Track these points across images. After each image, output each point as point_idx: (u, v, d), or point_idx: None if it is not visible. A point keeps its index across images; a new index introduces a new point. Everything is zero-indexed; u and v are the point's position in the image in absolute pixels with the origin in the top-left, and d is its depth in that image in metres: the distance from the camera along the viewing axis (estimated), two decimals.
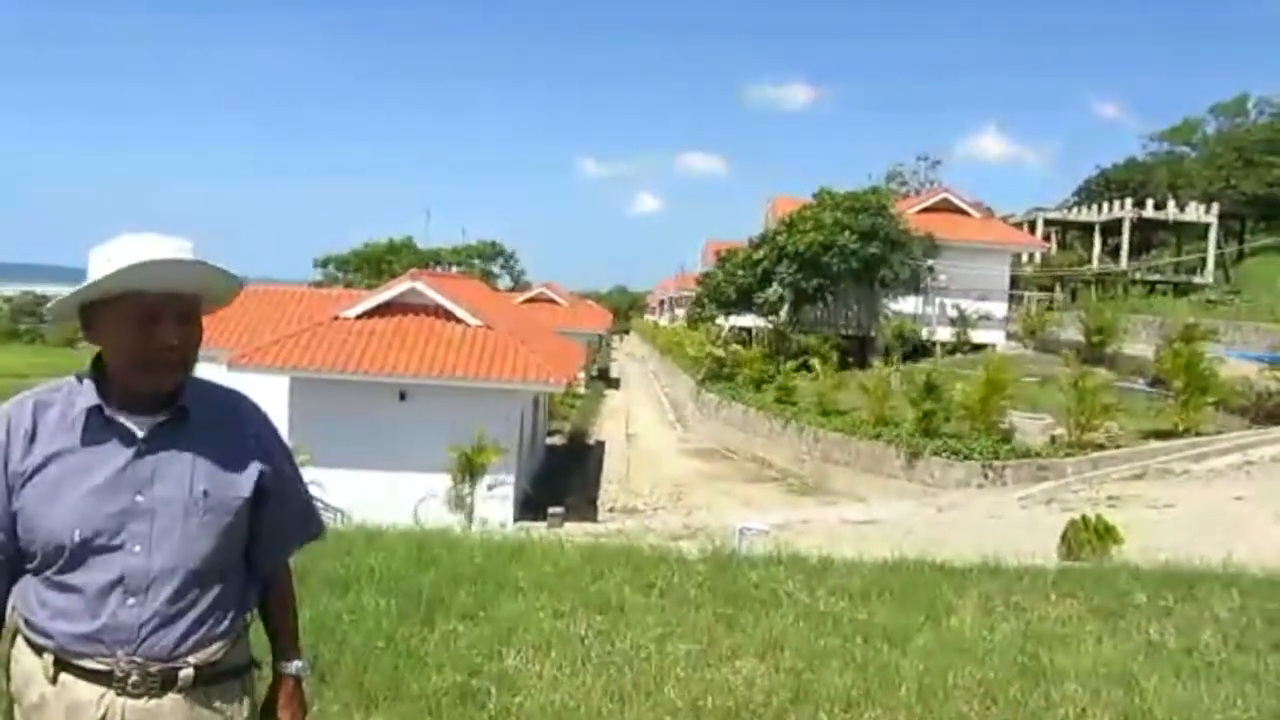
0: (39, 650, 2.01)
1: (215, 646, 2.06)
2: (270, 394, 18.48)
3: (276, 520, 2.20)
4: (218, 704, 2.09)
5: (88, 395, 2.02)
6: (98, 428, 2.01)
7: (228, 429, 2.13)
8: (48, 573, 2.00)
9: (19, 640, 2.07)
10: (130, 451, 2.00)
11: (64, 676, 2.00)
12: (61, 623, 1.99)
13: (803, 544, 8.39)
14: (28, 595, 2.03)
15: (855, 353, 28.45)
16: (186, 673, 2.02)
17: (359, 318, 20.50)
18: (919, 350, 28.28)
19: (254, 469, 2.12)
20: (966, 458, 17.75)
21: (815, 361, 25.27)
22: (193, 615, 2.03)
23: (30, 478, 1.99)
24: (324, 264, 67.71)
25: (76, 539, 1.96)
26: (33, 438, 2.01)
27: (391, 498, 15.30)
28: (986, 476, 17.38)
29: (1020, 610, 6.01)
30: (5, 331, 79.29)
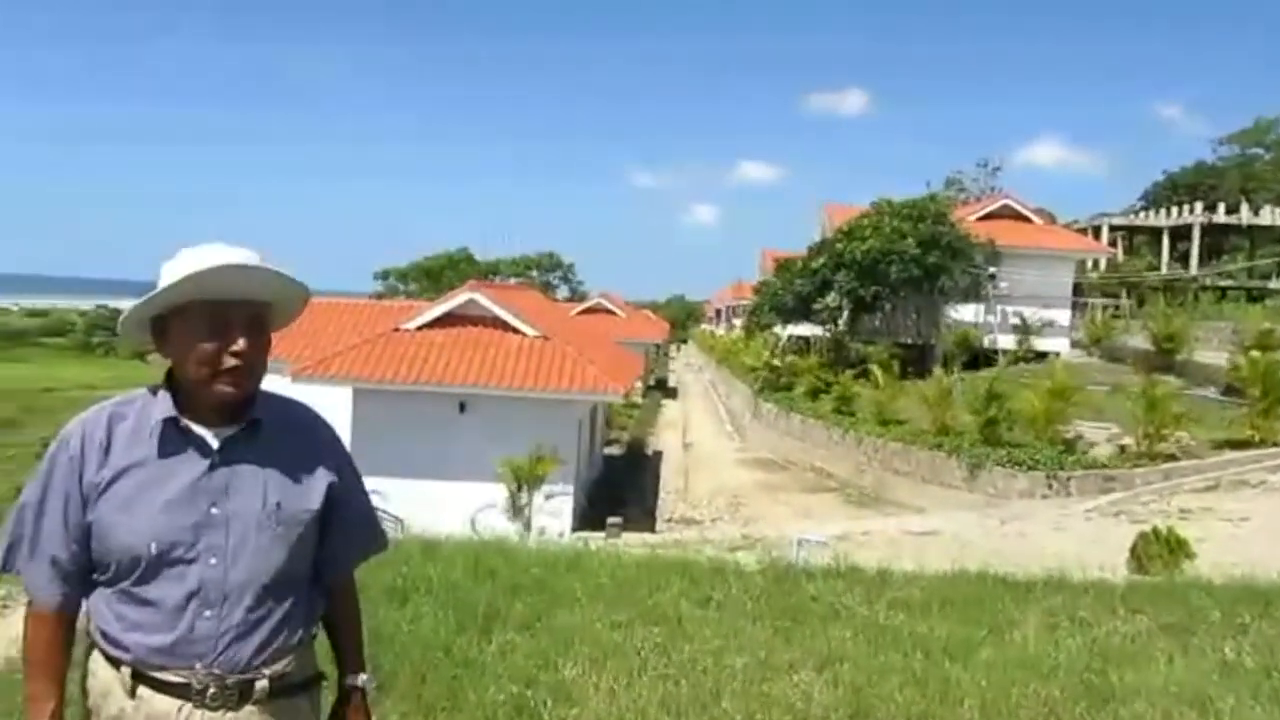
0: (115, 663, 2.01)
1: (288, 659, 2.09)
2: (333, 405, 18.79)
3: (342, 532, 2.21)
4: (290, 716, 2.10)
5: (163, 406, 2.03)
6: (173, 439, 2.02)
7: (299, 441, 2.15)
8: (123, 585, 2.00)
9: (95, 653, 2.06)
10: (205, 463, 2.02)
11: (142, 689, 2.00)
12: (139, 635, 1.99)
13: (862, 556, 8.30)
14: (101, 608, 2.03)
15: (915, 362, 28.05)
16: (262, 684, 2.03)
17: (419, 329, 20.73)
18: (981, 359, 27.79)
19: (324, 481, 2.14)
20: (1030, 468, 17.39)
21: (874, 370, 24.99)
22: (268, 627, 2.05)
23: (105, 489, 2.00)
24: (383, 276, 68.68)
25: (154, 551, 1.97)
26: (108, 449, 2.02)
27: (451, 508, 15.44)
28: (1051, 487, 17.01)
29: (1086, 626, 5.87)
30: (79, 345, 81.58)
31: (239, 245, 2.05)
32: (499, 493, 17.61)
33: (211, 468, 2.02)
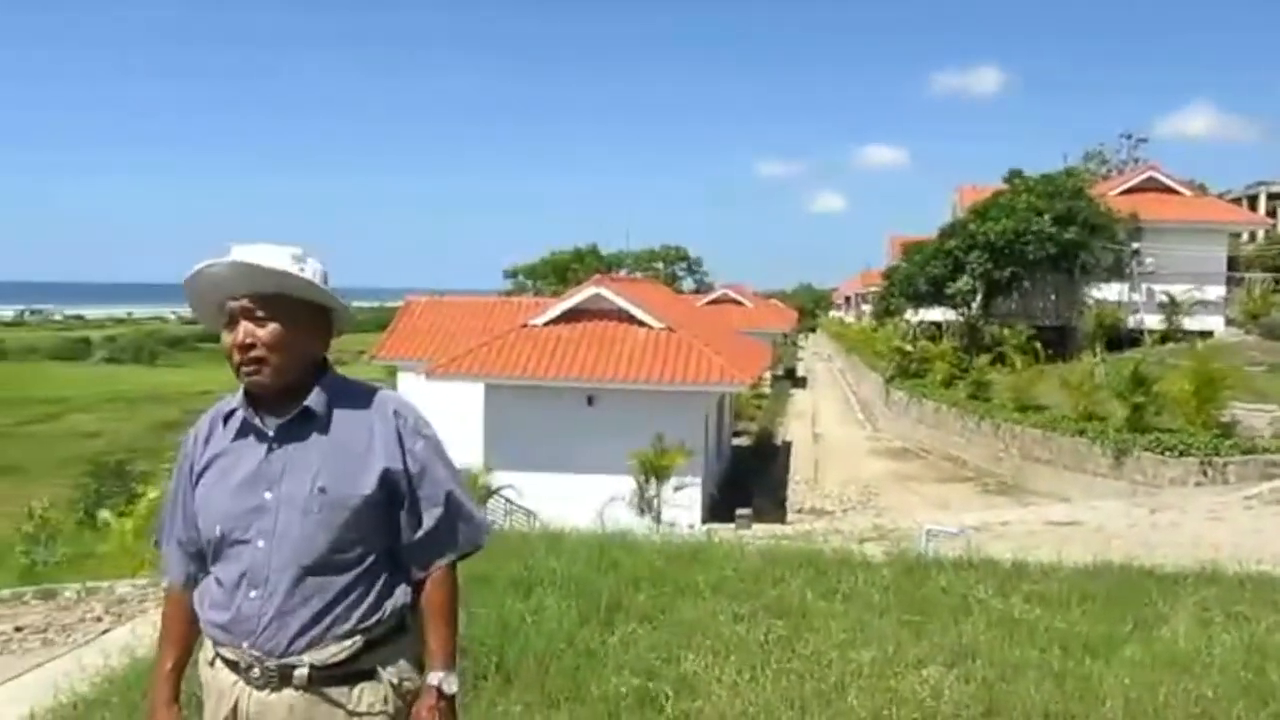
0: (208, 635, 2.19)
1: (335, 647, 2.09)
2: (466, 401, 19.28)
3: (422, 525, 2.19)
4: (340, 706, 2.10)
5: (237, 400, 2.19)
6: (242, 429, 2.17)
7: (355, 427, 2.17)
8: (209, 564, 2.18)
9: None
10: (263, 450, 2.13)
11: (217, 662, 2.16)
12: (213, 612, 2.15)
13: (997, 547, 8.01)
14: (202, 584, 2.21)
15: (1054, 345, 26.90)
16: (301, 670, 2.07)
17: (546, 325, 21.04)
18: (1125, 340, 26.49)
19: (378, 467, 2.14)
20: (1182, 454, 16.49)
21: (1011, 354, 24.09)
22: (308, 612, 2.07)
23: (200, 477, 2.19)
24: (513, 274, 69.95)
25: (218, 533, 2.12)
26: (207, 440, 2.21)
27: (580, 500, 15.61)
28: (1205, 474, 16.09)
29: (1243, 621, 5.52)
30: (192, 350, 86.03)
31: (284, 244, 2.15)
32: (628, 485, 17.73)
33: (269, 453, 2.13)
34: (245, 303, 2.09)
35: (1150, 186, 32.10)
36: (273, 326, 2.10)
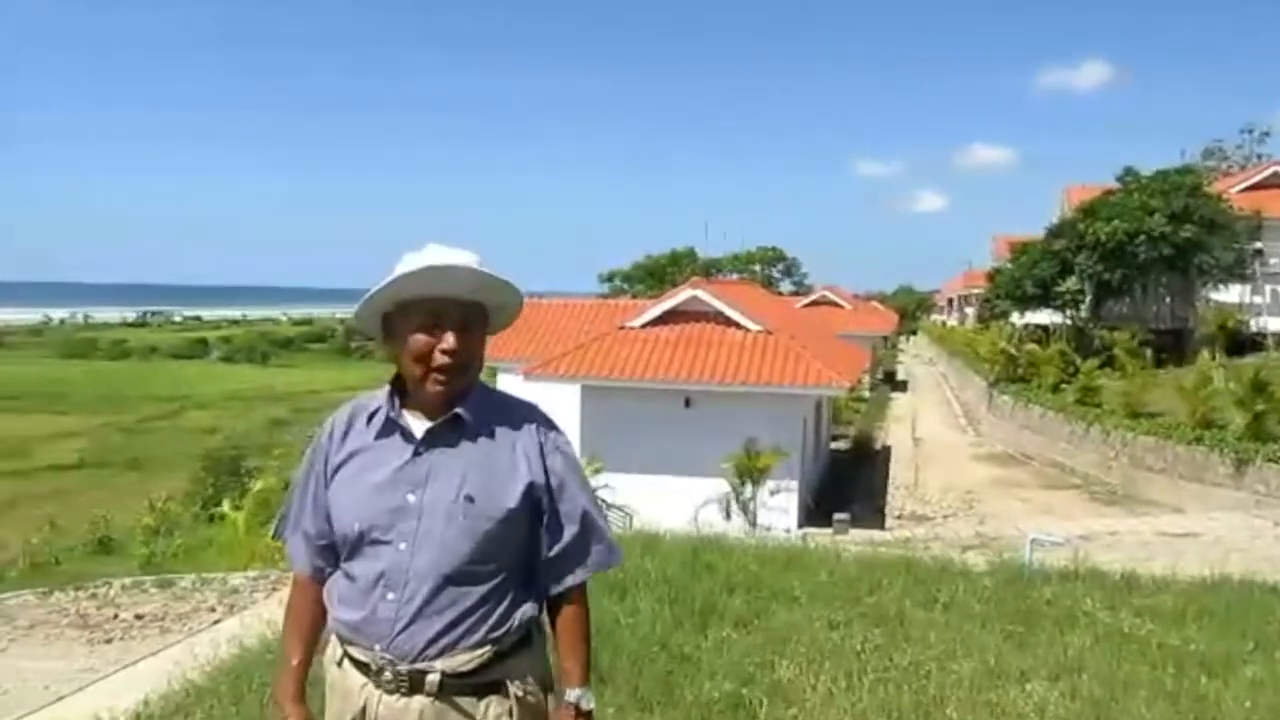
0: (335, 633, 2.18)
1: (466, 656, 2.07)
2: (563, 403, 19.47)
3: (557, 542, 2.18)
4: (469, 715, 2.09)
5: (383, 398, 2.17)
6: (388, 428, 2.15)
7: (505, 439, 2.15)
8: (343, 561, 2.16)
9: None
10: (409, 452, 2.11)
11: (345, 662, 2.15)
12: (343, 610, 2.13)
13: (1106, 558, 7.75)
14: (332, 580, 2.20)
15: (1168, 349, 25.88)
16: (433, 677, 2.05)
17: (643, 327, 21.10)
18: (1246, 344, 25.33)
19: (523, 481, 2.12)
20: None
21: (1122, 358, 23.26)
22: (443, 620, 2.06)
23: (336, 472, 2.17)
24: (609, 278, 70.29)
25: (356, 530, 2.10)
26: (345, 436, 2.20)
27: (676, 502, 15.61)
28: None
29: None
30: (339, 350, 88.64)
31: (462, 247, 2.12)
32: (723, 488, 17.66)
33: (414, 455, 2.11)
34: (461, 310, 2.09)
35: (1274, 183, 30.68)
36: (478, 338, 2.13)
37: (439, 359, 2.07)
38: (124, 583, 9.10)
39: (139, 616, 7.96)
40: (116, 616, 7.96)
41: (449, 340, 2.07)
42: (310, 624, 2.25)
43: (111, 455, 40.96)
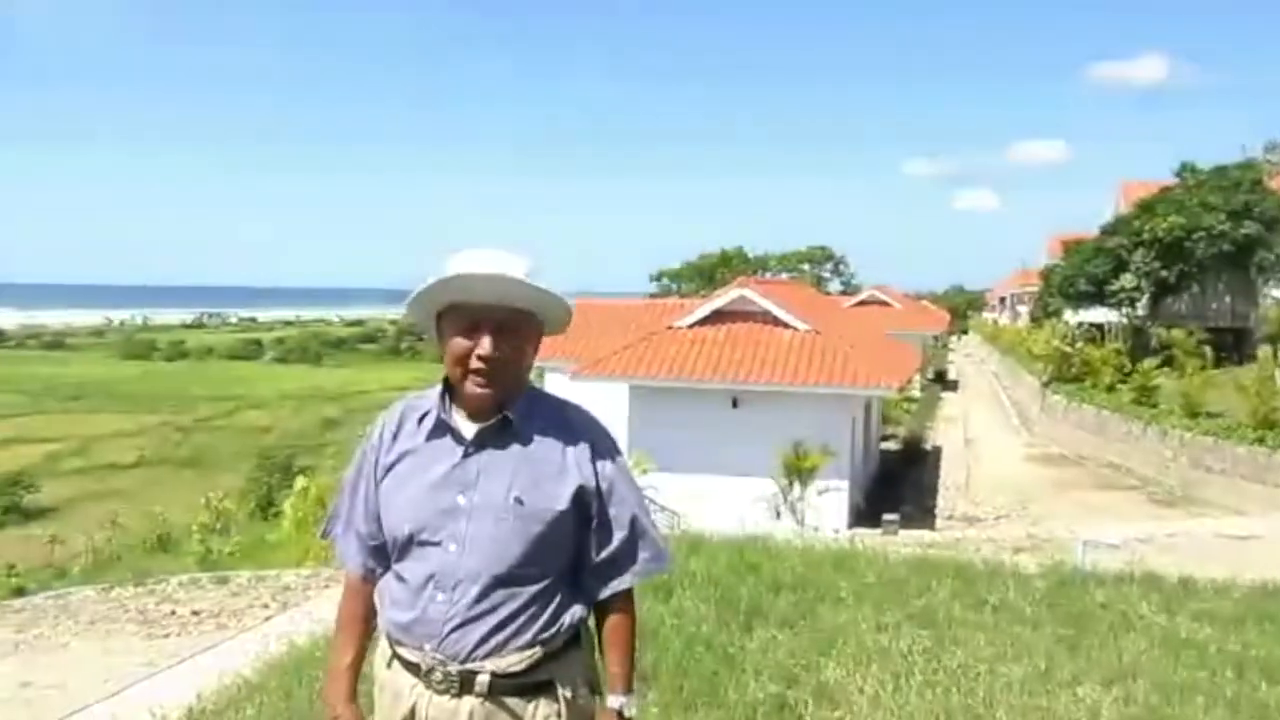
0: (386, 634, 2.18)
1: (515, 657, 2.07)
2: (611, 402, 19.50)
3: (605, 546, 2.17)
4: (518, 717, 2.09)
5: (433, 399, 2.18)
6: (439, 430, 2.15)
7: (554, 442, 2.15)
8: (394, 561, 2.17)
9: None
10: (459, 454, 2.12)
11: (395, 663, 2.15)
12: (394, 611, 2.14)
13: (1162, 561, 7.58)
14: (383, 580, 2.21)
15: (1228, 348, 25.29)
16: (483, 678, 2.06)
17: (691, 327, 21.07)
18: None
19: (572, 484, 2.12)
20: None
21: (1180, 357, 22.78)
22: (493, 620, 2.06)
23: (388, 472, 2.18)
24: (658, 278, 70.36)
25: (406, 531, 2.11)
26: (396, 436, 2.20)
27: (723, 503, 15.58)
28: None
29: None
30: (390, 350, 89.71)
31: (514, 252, 2.12)
32: (771, 488, 17.59)
33: (465, 457, 2.11)
34: (499, 316, 2.09)
35: None
36: (517, 344, 2.11)
37: (475, 363, 2.08)
38: (181, 579, 9.29)
39: (195, 612, 8.11)
40: (174, 612, 8.12)
41: (484, 345, 2.07)
42: (361, 625, 2.26)
43: (169, 454, 41.89)
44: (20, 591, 12.94)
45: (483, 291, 2.08)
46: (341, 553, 2.31)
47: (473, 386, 2.10)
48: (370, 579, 2.23)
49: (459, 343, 2.09)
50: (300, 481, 15.92)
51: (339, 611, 2.32)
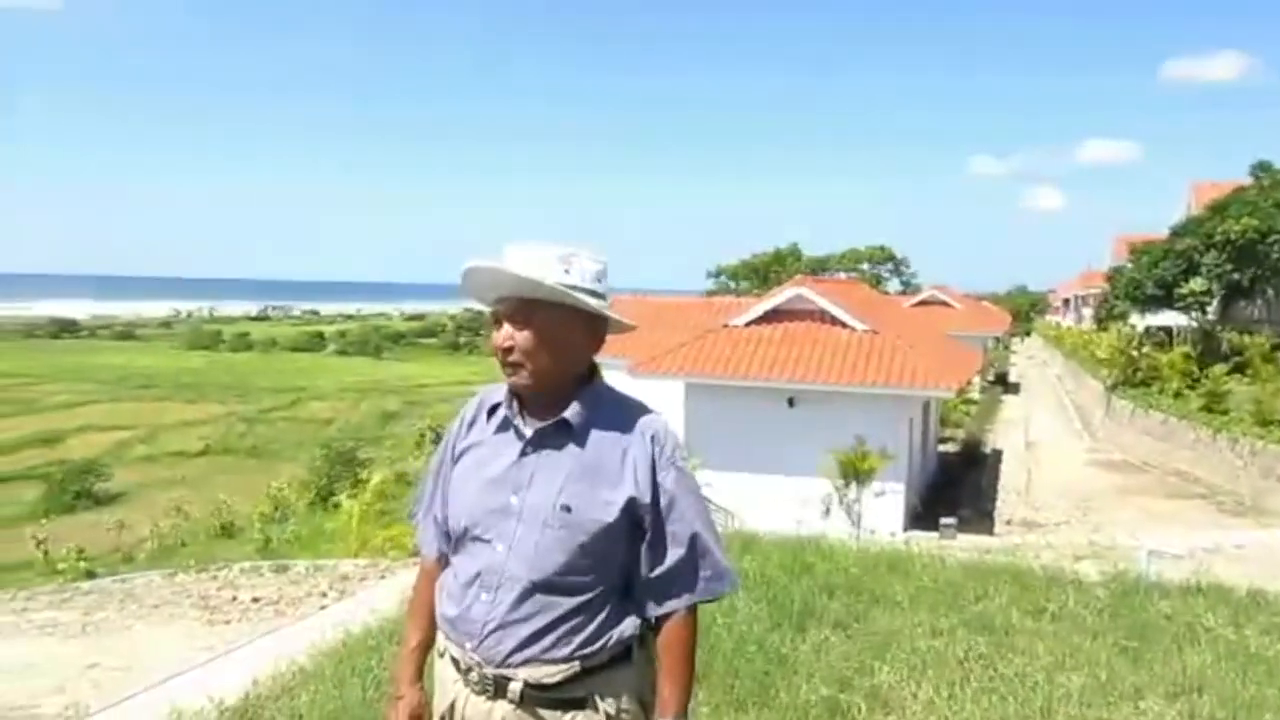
0: (439, 626, 2.19)
1: (551, 669, 2.02)
2: (667, 399, 19.50)
3: (660, 563, 2.07)
4: None
5: (500, 395, 2.18)
6: (503, 424, 2.15)
7: (615, 447, 2.08)
8: (451, 554, 2.18)
9: None
10: (517, 451, 2.10)
11: (446, 656, 2.16)
12: (446, 604, 2.14)
13: (1231, 571, 7.36)
14: (444, 570, 2.21)
15: None
16: (515, 685, 2.02)
17: (747, 325, 20.97)
18: None
19: (625, 495, 2.04)
20: None
21: (1254, 363, 22.13)
22: (530, 628, 2.02)
23: (457, 461, 2.20)
24: (715, 275, 70.14)
25: (462, 526, 2.11)
26: (470, 427, 2.22)
27: (779, 502, 15.49)
28: None
29: None
30: (449, 345, 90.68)
31: (540, 244, 2.11)
32: (827, 488, 17.43)
33: (521, 456, 2.09)
34: (506, 306, 2.08)
35: None
36: (528, 332, 2.05)
37: (500, 354, 2.09)
38: (243, 566, 9.46)
39: (255, 599, 8.25)
40: (235, 598, 8.28)
41: (500, 336, 2.08)
42: (432, 608, 2.22)
43: (234, 443, 42.72)
44: (90, 575, 13.30)
45: (480, 285, 2.11)
46: (420, 537, 2.32)
47: (507, 374, 2.10)
48: (444, 563, 2.22)
49: (493, 336, 2.11)
50: (376, 476, 16.10)
51: (413, 593, 2.33)
